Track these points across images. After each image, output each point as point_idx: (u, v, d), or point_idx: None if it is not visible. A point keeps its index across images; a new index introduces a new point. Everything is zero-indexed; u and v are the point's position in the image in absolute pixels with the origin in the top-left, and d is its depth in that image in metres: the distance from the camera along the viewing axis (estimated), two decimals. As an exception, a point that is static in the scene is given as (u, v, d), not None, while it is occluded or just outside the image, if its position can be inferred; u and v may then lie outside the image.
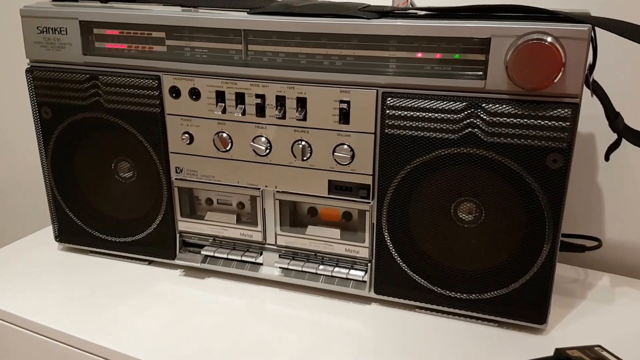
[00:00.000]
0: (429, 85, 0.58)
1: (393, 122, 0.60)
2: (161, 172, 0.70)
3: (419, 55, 0.59)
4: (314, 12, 0.62)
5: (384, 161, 0.62)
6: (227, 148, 0.67)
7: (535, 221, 0.59)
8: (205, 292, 0.70)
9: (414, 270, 0.64)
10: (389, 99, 0.60)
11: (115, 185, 0.74)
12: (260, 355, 0.59)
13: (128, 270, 0.75)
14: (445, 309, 0.65)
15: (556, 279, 0.61)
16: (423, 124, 0.59)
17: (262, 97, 0.64)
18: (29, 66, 0.72)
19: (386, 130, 0.60)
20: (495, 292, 0.62)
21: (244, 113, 0.65)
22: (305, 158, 0.64)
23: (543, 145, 0.56)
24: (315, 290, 0.69)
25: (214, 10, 0.67)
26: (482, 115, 0.57)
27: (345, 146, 0.63)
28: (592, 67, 0.61)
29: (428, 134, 0.59)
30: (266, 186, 0.67)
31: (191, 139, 0.68)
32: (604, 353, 0.56)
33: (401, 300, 0.66)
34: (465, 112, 0.58)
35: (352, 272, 0.67)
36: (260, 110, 0.65)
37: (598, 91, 0.62)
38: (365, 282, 0.67)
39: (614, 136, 0.64)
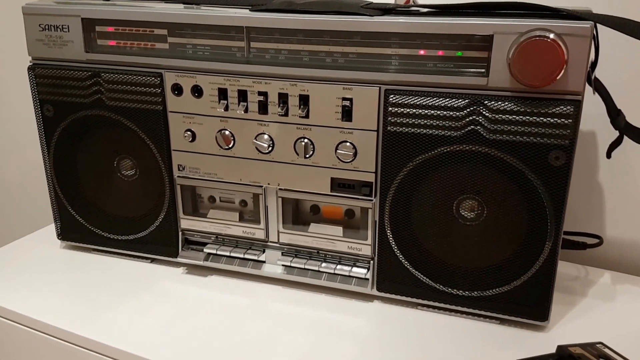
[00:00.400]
0: (432, 83, 0.59)
1: (395, 119, 0.60)
2: (163, 169, 0.70)
3: (422, 52, 0.59)
4: (317, 9, 0.62)
5: (386, 158, 0.62)
6: (230, 146, 0.67)
7: (537, 218, 0.59)
8: (207, 290, 0.70)
9: (416, 267, 0.64)
10: (392, 96, 0.60)
11: (117, 183, 0.74)
12: (263, 353, 0.59)
13: (130, 269, 0.75)
14: (448, 306, 0.65)
15: (557, 277, 0.61)
16: (425, 121, 0.59)
17: (264, 94, 0.64)
18: (31, 64, 0.72)
19: (389, 128, 0.61)
20: (497, 290, 0.62)
21: (246, 110, 0.65)
22: (307, 155, 0.65)
23: (545, 143, 0.56)
24: (318, 287, 0.69)
25: (216, 8, 0.67)
26: (484, 113, 0.57)
27: (348, 143, 0.63)
28: (594, 64, 0.61)
29: (430, 131, 0.59)
30: (269, 184, 0.68)
31: (193, 136, 0.68)
32: (606, 350, 0.56)
33: (403, 298, 0.66)
34: (468, 110, 0.58)
35: (355, 269, 0.67)
36: (263, 108, 0.65)
37: (600, 88, 0.62)
38: (367, 279, 0.67)
39: (614, 134, 0.64)
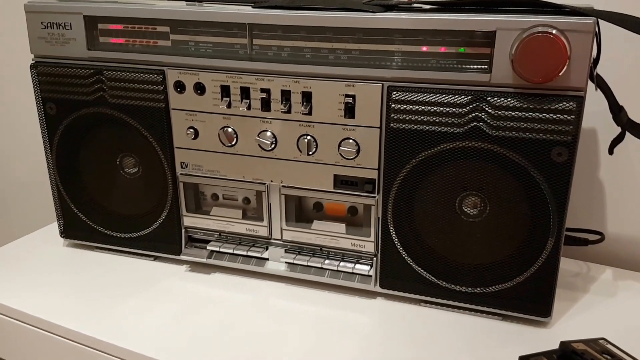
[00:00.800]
0: (434, 79, 0.59)
1: (398, 116, 0.60)
2: (166, 167, 0.70)
3: (424, 48, 0.59)
4: (319, 5, 0.62)
5: (389, 155, 0.62)
6: (233, 143, 0.67)
7: (540, 215, 0.59)
8: (211, 287, 0.70)
9: (419, 264, 0.64)
10: (395, 92, 0.60)
11: (120, 181, 0.74)
12: (267, 349, 0.59)
13: (133, 266, 0.75)
14: (451, 302, 0.65)
15: (559, 273, 0.61)
16: (428, 117, 0.59)
17: (267, 91, 0.64)
18: (33, 62, 0.72)
19: (391, 125, 0.61)
20: (500, 286, 0.62)
21: (249, 107, 0.65)
22: (310, 152, 0.65)
23: (548, 139, 0.56)
24: (321, 284, 0.70)
25: (219, 4, 0.67)
26: (487, 109, 0.57)
27: (351, 140, 0.63)
28: (596, 60, 0.61)
29: (433, 128, 0.59)
30: (272, 181, 0.68)
31: (196, 133, 0.68)
32: (609, 346, 0.56)
33: (406, 294, 0.66)
34: (471, 106, 0.58)
35: (358, 266, 0.67)
36: (266, 105, 0.65)
37: (602, 85, 0.63)
38: (370, 276, 0.67)
39: (615, 131, 0.65)
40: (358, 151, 0.63)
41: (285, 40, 0.62)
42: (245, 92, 0.65)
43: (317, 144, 0.64)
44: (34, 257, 0.77)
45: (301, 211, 0.70)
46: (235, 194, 0.72)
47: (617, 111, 0.63)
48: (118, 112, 0.69)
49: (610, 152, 0.66)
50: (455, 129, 0.59)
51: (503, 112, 0.57)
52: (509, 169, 0.58)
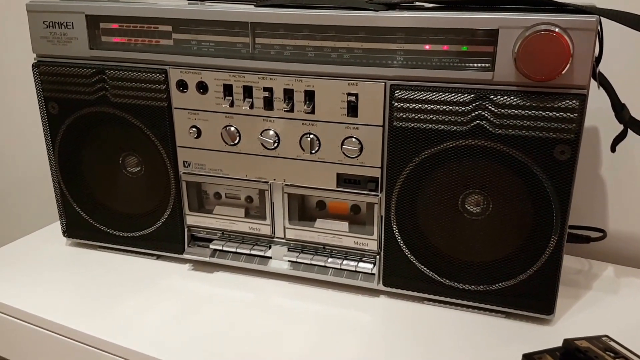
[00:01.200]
0: (437, 77, 0.59)
1: (401, 114, 0.60)
2: (169, 166, 0.71)
3: (427, 47, 0.59)
4: (322, 4, 0.62)
5: (392, 154, 0.62)
6: (235, 142, 0.67)
7: (542, 212, 0.59)
8: (214, 286, 0.70)
9: (422, 262, 0.65)
10: (397, 91, 0.60)
11: (122, 180, 0.74)
12: (270, 348, 0.59)
13: (136, 265, 0.75)
14: (453, 300, 0.65)
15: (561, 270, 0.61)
16: (431, 116, 0.59)
17: (269, 90, 0.64)
18: (35, 61, 0.72)
19: (394, 123, 0.61)
20: (503, 284, 0.62)
21: (251, 106, 0.65)
22: (313, 151, 0.65)
23: (551, 137, 0.56)
24: (324, 283, 0.70)
25: (221, 3, 0.67)
26: (490, 107, 0.57)
27: (354, 139, 0.63)
28: (598, 58, 0.61)
29: (436, 126, 0.59)
30: (274, 180, 0.68)
31: (199, 132, 0.68)
32: (612, 343, 0.56)
33: (409, 292, 0.67)
34: (473, 104, 0.58)
35: (361, 264, 0.67)
36: (268, 104, 0.65)
37: (604, 83, 0.63)
38: (373, 274, 0.67)
39: (616, 129, 0.65)
40: (361, 150, 0.63)
41: (287, 39, 0.62)
42: (247, 91, 0.65)
43: (320, 143, 0.64)
44: (36, 257, 0.77)
45: (304, 209, 0.70)
46: (238, 192, 0.72)
47: (619, 109, 0.63)
48: (120, 112, 0.69)
49: (613, 149, 0.66)
50: (458, 127, 0.59)
51: (506, 110, 0.57)
52: (511, 167, 0.59)
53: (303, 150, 0.65)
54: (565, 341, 0.56)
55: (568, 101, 0.55)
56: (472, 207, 0.62)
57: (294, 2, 0.63)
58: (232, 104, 0.66)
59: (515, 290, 0.62)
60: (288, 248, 0.71)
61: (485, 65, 0.57)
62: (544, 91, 0.56)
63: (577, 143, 0.56)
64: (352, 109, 0.62)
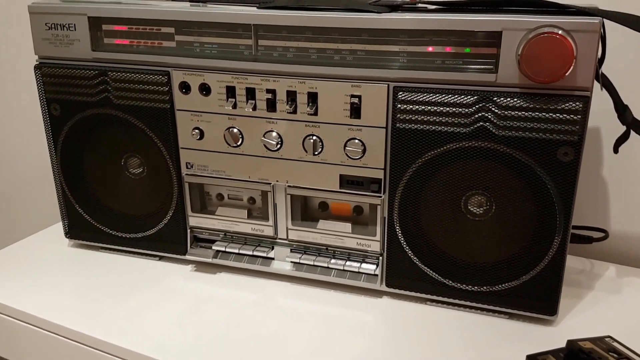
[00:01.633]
0: (440, 79, 0.59)
1: (404, 116, 0.60)
2: (171, 167, 0.71)
3: (430, 49, 0.59)
4: (324, 6, 0.62)
5: (395, 155, 0.62)
6: (238, 143, 0.67)
7: (546, 213, 0.59)
8: (216, 287, 0.71)
9: (425, 263, 0.65)
10: (400, 93, 0.60)
11: (125, 181, 0.74)
12: (273, 349, 0.59)
13: (139, 266, 0.75)
14: (457, 301, 0.65)
15: (564, 270, 0.61)
16: (434, 117, 0.59)
17: (272, 92, 0.64)
18: (37, 63, 0.72)
19: (397, 125, 0.61)
20: (506, 284, 0.63)
21: (254, 108, 0.65)
22: (316, 153, 0.65)
23: (554, 139, 0.56)
24: (327, 284, 0.70)
25: (223, 5, 0.67)
26: (493, 109, 0.57)
27: (357, 140, 0.63)
28: (601, 60, 0.62)
29: (439, 128, 0.59)
30: (277, 181, 0.68)
31: (201, 134, 0.68)
32: (615, 344, 0.56)
33: (412, 293, 0.67)
34: (477, 106, 0.58)
35: (364, 265, 0.67)
36: (271, 105, 0.65)
37: (607, 84, 0.63)
38: (376, 275, 0.67)
39: (618, 128, 0.65)
40: (364, 151, 0.63)
41: (290, 40, 0.62)
42: (250, 93, 0.65)
43: (322, 144, 0.64)
44: (38, 257, 0.77)
45: (307, 211, 0.70)
46: (241, 193, 0.72)
47: (622, 110, 0.63)
48: (123, 113, 0.69)
49: (616, 151, 0.66)
50: (461, 128, 0.59)
51: (509, 112, 0.57)
52: (515, 169, 0.59)
53: (306, 151, 0.65)
54: (569, 342, 0.57)
55: (571, 103, 0.55)
56: (475, 208, 0.62)
57: (296, 4, 0.63)
58: (234, 106, 0.66)
59: (519, 291, 0.62)
60: (291, 249, 0.71)
61: (488, 67, 0.57)
62: (547, 93, 0.56)
63: (581, 145, 0.56)
64: (355, 111, 0.62)
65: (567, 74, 0.54)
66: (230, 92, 0.66)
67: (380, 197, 0.64)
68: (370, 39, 0.60)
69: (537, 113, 0.56)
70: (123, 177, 0.74)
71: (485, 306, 0.64)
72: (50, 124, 0.73)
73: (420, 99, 0.59)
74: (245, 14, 0.63)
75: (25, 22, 0.70)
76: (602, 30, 0.56)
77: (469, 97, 0.58)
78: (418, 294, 0.67)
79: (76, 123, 0.72)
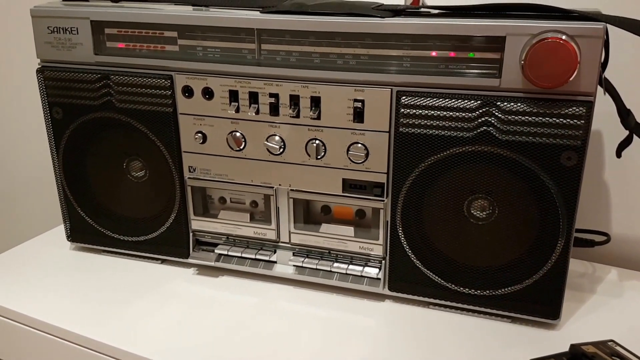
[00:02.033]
0: (444, 84, 0.59)
1: (407, 120, 0.60)
2: (174, 171, 0.71)
3: (433, 53, 0.59)
4: (328, 11, 0.62)
5: (398, 159, 0.62)
6: (241, 147, 0.67)
7: (549, 218, 0.59)
8: (219, 290, 0.71)
9: (427, 267, 0.65)
10: (404, 97, 0.60)
11: (127, 185, 0.74)
12: (275, 352, 0.60)
13: (141, 270, 0.75)
14: (459, 305, 0.65)
15: (566, 274, 0.61)
16: (437, 122, 0.59)
17: (275, 96, 0.64)
18: (39, 66, 0.72)
19: (400, 129, 0.61)
20: (509, 289, 0.63)
21: (257, 112, 0.65)
22: (319, 157, 0.65)
23: (558, 143, 0.56)
24: (330, 287, 0.70)
25: (226, 10, 0.67)
26: (496, 114, 0.57)
27: (360, 145, 0.63)
28: (604, 64, 0.62)
29: (442, 132, 0.59)
30: (280, 185, 0.68)
31: (204, 138, 0.68)
32: (618, 348, 0.57)
33: (415, 297, 0.67)
34: (480, 111, 0.58)
35: (366, 269, 0.67)
36: (274, 110, 0.65)
37: (610, 89, 0.63)
38: (379, 279, 0.67)
39: (620, 132, 0.65)
40: (367, 155, 0.63)
41: (293, 45, 0.62)
42: (253, 97, 0.65)
43: (325, 148, 0.64)
44: (40, 261, 0.77)
45: (309, 214, 0.70)
46: (243, 197, 0.72)
47: (625, 115, 0.63)
48: (125, 117, 0.69)
49: (618, 155, 0.66)
50: (464, 133, 0.59)
51: (512, 116, 0.57)
52: (518, 173, 0.59)
53: (309, 155, 0.65)
54: (572, 346, 0.57)
55: (575, 108, 0.55)
56: (478, 212, 0.62)
57: (299, 8, 0.63)
58: (237, 110, 0.66)
59: (522, 295, 0.62)
60: (293, 253, 0.71)
61: (492, 71, 0.57)
62: (550, 98, 0.56)
63: (584, 149, 0.56)
64: (358, 115, 0.62)
65: (570, 79, 0.54)
66: (233, 96, 0.66)
67: (383, 201, 0.64)
68: (373, 44, 0.60)
69: (540, 118, 0.56)
70: (125, 181, 0.74)
71: (488, 310, 0.64)
72: (52, 127, 0.73)
73: (424, 104, 0.59)
74: (248, 18, 0.63)
75: (28, 26, 0.70)
76: (605, 36, 0.56)
77: (473, 101, 0.58)
78: (421, 298, 0.67)
79: (78, 126, 0.72)
